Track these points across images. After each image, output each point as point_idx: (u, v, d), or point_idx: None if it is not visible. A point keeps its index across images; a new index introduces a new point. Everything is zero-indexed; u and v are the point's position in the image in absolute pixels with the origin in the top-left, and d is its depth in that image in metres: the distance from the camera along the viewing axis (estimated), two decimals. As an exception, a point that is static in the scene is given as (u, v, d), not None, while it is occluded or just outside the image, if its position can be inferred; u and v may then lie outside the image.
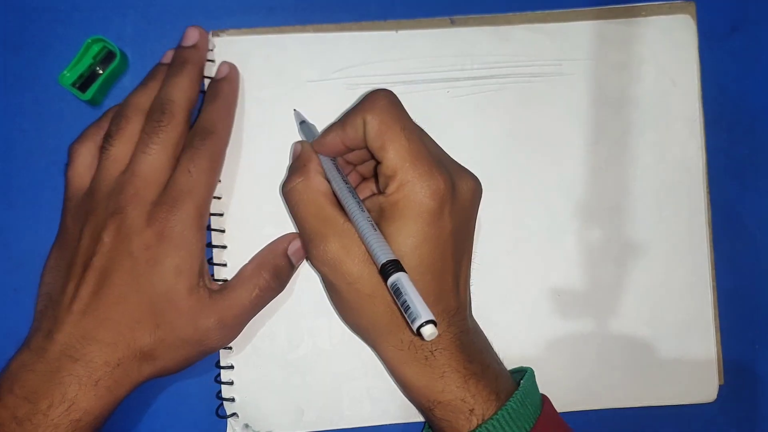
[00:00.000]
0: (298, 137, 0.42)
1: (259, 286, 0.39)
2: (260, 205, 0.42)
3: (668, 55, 0.44)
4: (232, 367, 0.42)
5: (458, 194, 0.36)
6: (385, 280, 0.32)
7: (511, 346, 0.41)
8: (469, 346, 0.36)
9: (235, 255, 0.42)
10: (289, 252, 0.41)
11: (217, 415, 0.42)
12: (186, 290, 0.37)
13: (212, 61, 0.43)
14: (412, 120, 0.37)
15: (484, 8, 0.44)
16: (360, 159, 0.39)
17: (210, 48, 0.43)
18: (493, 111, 0.43)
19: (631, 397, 0.43)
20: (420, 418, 0.41)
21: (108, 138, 0.39)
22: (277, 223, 0.42)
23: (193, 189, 0.38)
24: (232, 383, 0.41)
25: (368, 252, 0.34)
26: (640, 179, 0.43)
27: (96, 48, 0.42)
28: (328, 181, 0.38)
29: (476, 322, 0.39)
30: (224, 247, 0.42)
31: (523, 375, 0.37)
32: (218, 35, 0.43)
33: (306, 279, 0.42)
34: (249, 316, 0.40)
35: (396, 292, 0.32)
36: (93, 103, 0.43)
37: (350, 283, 0.35)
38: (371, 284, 0.35)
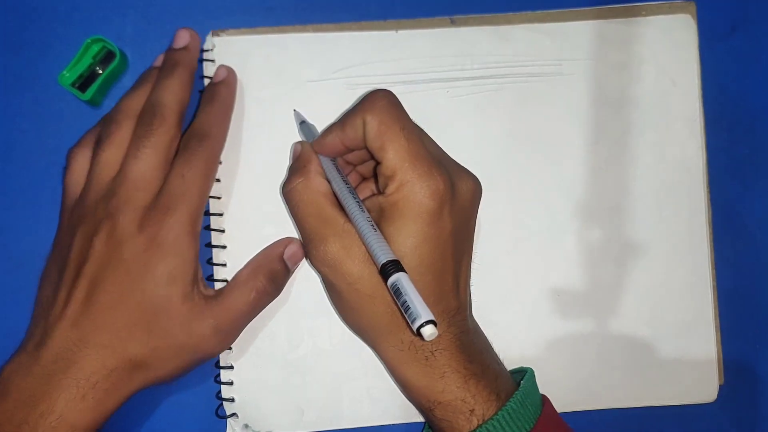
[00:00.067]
0: (298, 137, 0.42)
1: (255, 290, 0.39)
2: (260, 205, 0.42)
3: (668, 55, 0.44)
4: (231, 367, 0.42)
5: (458, 194, 0.36)
6: (385, 280, 0.32)
7: (511, 346, 0.41)
8: (470, 346, 0.36)
9: (235, 255, 0.42)
10: (285, 256, 0.40)
11: (217, 415, 0.42)
12: (180, 297, 0.36)
13: (212, 61, 0.43)
14: (411, 120, 0.36)
15: (484, 8, 0.44)
16: (360, 159, 0.39)
17: (210, 48, 0.43)
18: (493, 111, 0.43)
19: (631, 397, 0.43)
20: (420, 418, 0.41)
21: (99, 143, 0.39)
22: (277, 223, 0.42)
23: (186, 194, 0.37)
24: (231, 383, 0.41)
25: (368, 252, 0.34)
26: (640, 179, 0.43)
27: (96, 48, 0.42)
28: (329, 182, 0.38)
29: (476, 323, 0.39)
30: (224, 247, 0.42)
31: (523, 375, 0.37)
32: (218, 35, 0.43)
33: (306, 279, 0.42)
34: (245, 320, 0.39)
35: (396, 293, 0.32)
36: (93, 103, 0.43)
37: (350, 284, 0.35)
38: (371, 284, 0.35)
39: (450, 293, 0.36)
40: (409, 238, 0.34)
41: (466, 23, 0.44)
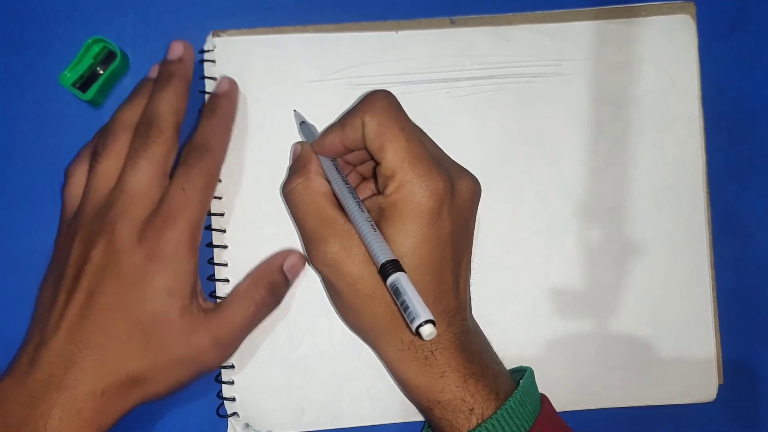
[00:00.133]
0: (299, 138, 0.42)
1: (254, 302, 0.39)
2: (260, 205, 0.42)
3: (668, 55, 0.44)
4: (232, 366, 0.42)
5: (457, 194, 0.36)
6: (385, 279, 0.32)
7: (510, 345, 0.41)
8: (469, 345, 0.36)
9: (235, 255, 0.42)
10: (285, 268, 0.40)
11: (218, 414, 0.42)
12: (178, 311, 0.36)
13: (212, 61, 0.43)
14: (410, 120, 0.37)
15: (484, 8, 0.44)
16: (359, 159, 0.39)
17: (210, 48, 0.43)
18: (492, 111, 0.43)
19: (631, 397, 0.43)
20: (420, 418, 0.41)
21: (95, 155, 0.38)
22: (277, 223, 0.42)
23: (186, 207, 0.37)
24: (232, 383, 0.42)
25: (368, 252, 0.34)
26: (639, 179, 0.43)
27: (96, 48, 0.42)
28: (329, 182, 0.38)
29: (476, 322, 0.39)
30: (224, 247, 0.42)
31: (522, 375, 0.37)
32: (218, 35, 0.43)
33: (306, 279, 0.42)
34: (245, 333, 0.39)
35: (395, 292, 0.32)
36: (94, 103, 0.43)
37: (350, 284, 0.35)
38: (371, 285, 0.35)
39: (449, 293, 0.36)
40: (409, 238, 0.34)
41: (466, 23, 0.44)
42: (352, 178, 0.41)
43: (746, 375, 0.44)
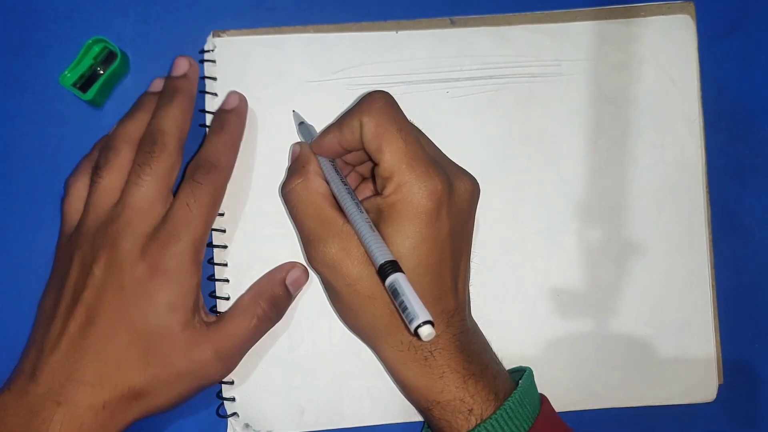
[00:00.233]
0: (298, 138, 0.42)
1: (257, 315, 0.39)
2: (260, 205, 0.42)
3: (668, 55, 0.44)
4: (232, 366, 0.42)
5: (455, 195, 0.36)
6: (383, 280, 0.32)
7: (510, 345, 0.41)
8: (468, 346, 0.36)
9: (235, 255, 0.42)
10: (287, 281, 0.40)
11: (218, 414, 0.42)
12: (180, 326, 0.36)
13: (213, 61, 0.43)
14: (408, 121, 0.36)
15: (484, 8, 0.44)
16: (359, 160, 0.39)
17: (210, 48, 0.43)
18: (492, 111, 0.43)
19: (631, 397, 0.43)
20: (419, 418, 0.41)
21: (97, 170, 0.38)
22: (277, 223, 0.42)
23: (191, 224, 0.37)
24: (232, 383, 0.42)
25: (366, 253, 0.34)
26: (639, 179, 0.43)
27: (97, 48, 0.42)
28: (327, 183, 0.38)
29: (475, 323, 0.39)
30: (224, 247, 0.42)
31: (522, 375, 0.37)
32: (218, 35, 0.43)
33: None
34: (247, 346, 0.39)
35: (394, 293, 0.32)
36: (94, 103, 0.43)
37: (349, 285, 0.35)
38: (371, 285, 0.35)
39: (448, 293, 0.36)
40: (408, 239, 0.34)
41: (465, 24, 0.44)
42: (352, 179, 0.41)
43: (746, 375, 0.44)
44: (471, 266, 0.39)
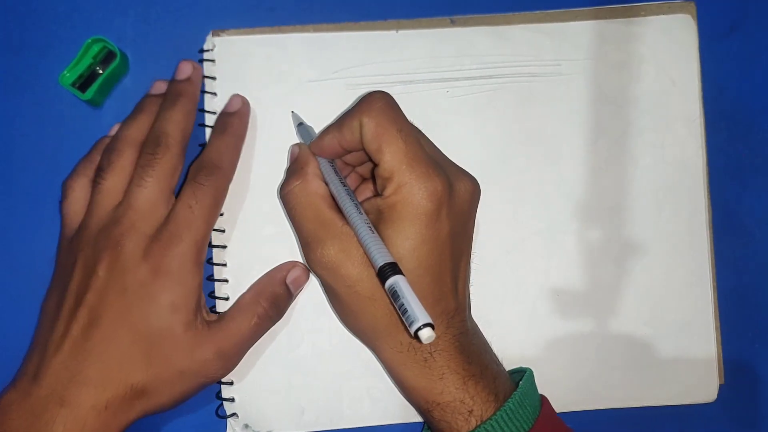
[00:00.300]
0: (297, 138, 0.42)
1: (257, 314, 0.39)
2: (260, 205, 0.42)
3: (668, 55, 0.44)
4: (232, 367, 0.42)
5: (455, 196, 0.36)
6: (383, 282, 0.32)
7: (510, 346, 0.41)
8: (468, 347, 0.36)
9: (234, 255, 0.42)
10: (288, 281, 0.40)
11: (217, 415, 0.42)
12: (182, 326, 0.36)
13: (212, 61, 0.43)
14: (408, 122, 0.36)
15: (484, 8, 0.44)
16: (358, 160, 0.39)
17: (210, 48, 0.43)
18: (492, 111, 0.43)
19: (631, 397, 0.43)
20: (419, 418, 0.41)
21: (100, 172, 0.39)
22: (277, 223, 0.42)
23: (193, 225, 0.37)
24: (231, 383, 0.42)
25: (366, 255, 0.34)
26: (639, 179, 0.43)
27: (96, 48, 0.42)
28: (326, 184, 0.38)
29: (475, 323, 0.39)
30: (224, 247, 0.42)
31: (522, 375, 0.37)
32: (218, 35, 0.43)
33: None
34: (248, 345, 0.39)
35: (393, 295, 0.32)
36: (93, 103, 0.43)
37: (349, 286, 0.35)
38: (371, 287, 0.35)
39: (449, 294, 0.36)
40: (408, 240, 0.34)
41: (465, 23, 0.44)
42: (352, 179, 0.41)
43: (746, 375, 0.44)
44: (471, 266, 0.39)
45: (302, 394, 0.42)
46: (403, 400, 0.40)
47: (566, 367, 0.43)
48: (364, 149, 0.36)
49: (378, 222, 0.35)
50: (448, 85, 0.43)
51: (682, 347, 0.43)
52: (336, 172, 0.38)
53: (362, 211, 0.35)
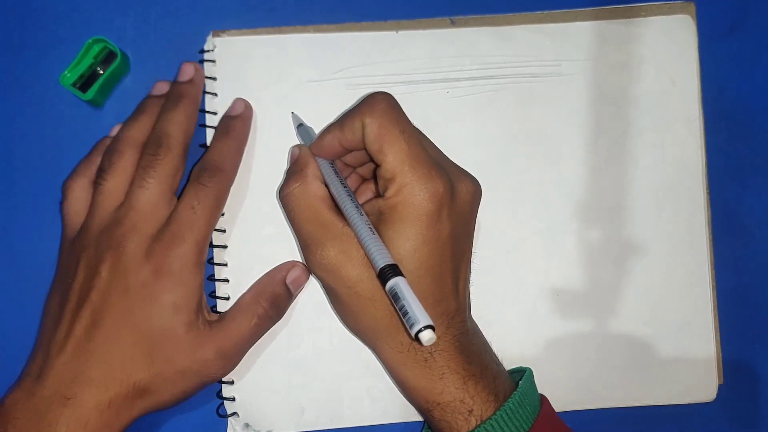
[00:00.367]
0: (297, 138, 0.42)
1: (257, 314, 0.39)
2: (260, 205, 0.42)
3: (668, 55, 0.44)
4: (232, 366, 0.42)
5: (457, 197, 0.36)
6: (384, 284, 0.32)
7: (510, 346, 0.41)
8: (468, 347, 0.36)
9: (234, 255, 0.42)
10: (288, 281, 0.40)
11: (218, 414, 0.42)
12: (184, 326, 0.36)
13: (213, 61, 0.43)
14: (411, 123, 0.36)
15: (484, 8, 0.44)
16: (359, 161, 0.39)
17: (210, 48, 0.43)
18: (492, 111, 0.43)
19: (630, 397, 0.43)
20: (419, 418, 0.41)
21: (101, 173, 0.39)
22: (277, 223, 0.42)
23: (194, 226, 0.37)
24: (232, 383, 0.42)
25: (367, 256, 0.34)
26: (639, 179, 0.43)
27: (97, 48, 0.42)
28: (326, 185, 0.38)
29: (475, 323, 0.39)
30: (224, 246, 0.42)
31: (522, 375, 0.37)
32: (218, 35, 0.43)
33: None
34: (248, 345, 0.39)
35: (394, 297, 0.32)
36: (94, 103, 0.43)
37: (350, 288, 0.35)
38: (371, 287, 0.35)
39: (449, 295, 0.36)
40: (409, 240, 0.34)
41: (466, 24, 0.44)
42: (353, 180, 0.41)
43: (746, 375, 0.44)
44: (471, 267, 0.39)
45: (302, 394, 0.42)
46: (403, 399, 0.40)
47: (566, 367, 0.43)
48: (365, 149, 0.36)
49: (379, 223, 0.35)
50: (448, 86, 0.43)
51: (681, 347, 0.43)
52: (336, 173, 0.38)
53: (363, 213, 0.35)
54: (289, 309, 0.42)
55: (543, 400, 0.38)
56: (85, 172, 0.40)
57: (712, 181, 0.44)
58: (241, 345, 0.39)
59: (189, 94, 0.41)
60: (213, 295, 0.42)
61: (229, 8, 0.44)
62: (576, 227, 0.43)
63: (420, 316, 0.30)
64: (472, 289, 0.39)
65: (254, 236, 0.42)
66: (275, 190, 0.42)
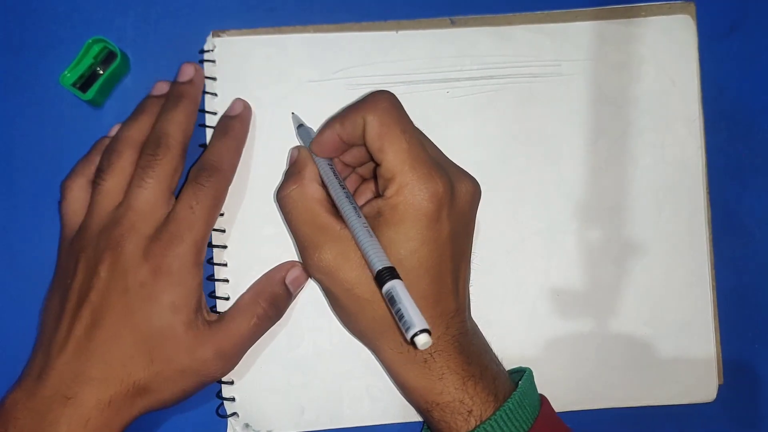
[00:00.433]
0: (297, 138, 0.42)
1: (257, 315, 0.39)
2: (260, 205, 0.42)
3: (668, 55, 0.44)
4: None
5: (457, 197, 0.36)
6: (380, 287, 0.32)
7: (510, 346, 0.41)
8: (468, 347, 0.36)
9: (234, 255, 0.42)
10: (287, 281, 0.40)
11: (218, 414, 0.42)
12: (183, 326, 0.36)
13: (213, 61, 0.43)
14: (412, 123, 0.36)
15: (484, 8, 0.44)
16: (359, 161, 0.39)
17: (210, 48, 0.43)
18: (492, 111, 0.43)
19: (630, 397, 0.43)
20: (419, 418, 0.41)
21: (99, 172, 0.39)
22: (276, 223, 0.42)
23: (193, 225, 0.37)
24: (232, 383, 0.42)
25: (364, 258, 0.34)
26: (639, 179, 0.43)
27: (97, 48, 0.42)
28: (325, 187, 0.37)
29: (475, 324, 0.39)
30: (224, 247, 0.42)
31: (522, 375, 0.37)
32: (218, 35, 0.43)
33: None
34: (247, 345, 0.39)
35: (391, 300, 0.32)
36: (94, 103, 0.43)
37: (348, 289, 0.35)
38: (370, 288, 0.35)
39: (449, 295, 0.36)
40: (408, 241, 0.34)
41: (466, 24, 0.44)
42: (352, 180, 0.41)
43: (746, 375, 0.44)
44: (471, 267, 0.39)
45: (302, 394, 0.42)
46: (403, 399, 0.40)
47: (566, 367, 0.43)
48: (366, 147, 0.36)
49: (379, 223, 0.35)
50: (448, 86, 0.43)
51: (681, 347, 0.43)
52: (335, 174, 0.38)
53: (361, 214, 0.35)
54: (288, 309, 0.42)
55: (543, 400, 0.38)
56: (84, 171, 0.40)
57: (712, 181, 0.44)
58: (240, 345, 0.39)
59: (189, 94, 0.41)
60: (212, 295, 0.42)
61: (229, 8, 0.44)
62: (576, 227, 0.43)
63: (416, 319, 0.30)
64: (472, 289, 0.39)
65: (254, 236, 0.42)
66: (275, 190, 0.42)
